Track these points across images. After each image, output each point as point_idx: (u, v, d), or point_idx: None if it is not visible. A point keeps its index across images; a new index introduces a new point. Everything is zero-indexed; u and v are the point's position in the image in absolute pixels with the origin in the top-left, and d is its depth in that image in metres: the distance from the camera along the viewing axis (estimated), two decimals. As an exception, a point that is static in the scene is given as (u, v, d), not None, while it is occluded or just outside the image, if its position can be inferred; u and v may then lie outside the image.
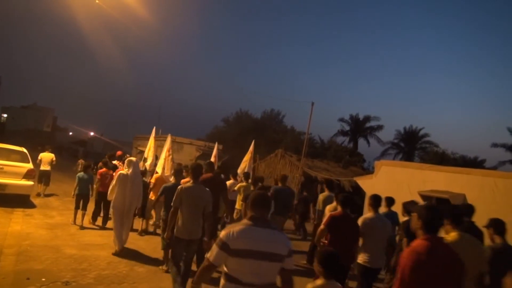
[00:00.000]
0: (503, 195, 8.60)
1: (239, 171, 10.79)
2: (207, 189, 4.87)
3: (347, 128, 33.79)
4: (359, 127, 33.28)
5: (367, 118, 33.06)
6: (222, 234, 2.45)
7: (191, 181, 4.87)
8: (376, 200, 4.95)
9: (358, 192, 11.91)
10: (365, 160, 28.80)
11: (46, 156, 11.40)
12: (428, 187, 9.97)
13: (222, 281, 2.49)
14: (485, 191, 8.86)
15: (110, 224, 7.46)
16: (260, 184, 7.98)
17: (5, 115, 58.34)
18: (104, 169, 8.47)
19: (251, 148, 12.22)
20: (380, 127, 32.81)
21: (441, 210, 2.73)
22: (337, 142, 31.55)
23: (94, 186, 8.35)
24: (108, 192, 6.47)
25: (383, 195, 7.07)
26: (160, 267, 5.74)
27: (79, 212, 7.83)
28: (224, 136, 29.93)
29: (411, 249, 2.57)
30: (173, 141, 19.97)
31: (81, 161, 15.71)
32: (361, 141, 33.76)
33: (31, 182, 9.23)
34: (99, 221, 8.18)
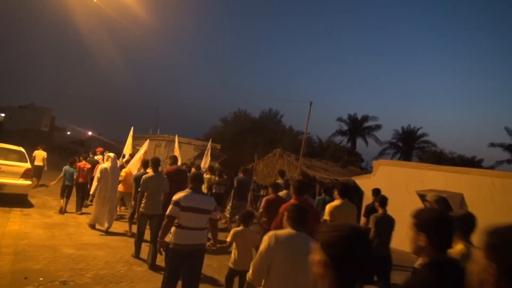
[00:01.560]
0: (500, 195, 8.63)
1: (202, 166, 12.15)
2: (166, 177, 6.51)
3: (345, 127, 33.88)
4: (357, 127, 33.34)
5: (365, 118, 33.14)
6: (175, 197, 3.98)
7: (152, 172, 6.39)
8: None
9: (357, 191, 11.91)
10: (363, 159, 28.92)
11: (39, 154, 12.97)
12: (426, 187, 9.99)
13: (173, 229, 3.97)
14: (483, 190, 8.89)
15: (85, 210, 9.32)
16: (224, 176, 9.28)
17: (2, 115, 58.04)
18: (82, 162, 9.81)
19: (209, 145, 13.83)
20: (378, 127, 32.91)
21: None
22: (335, 141, 31.63)
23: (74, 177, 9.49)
24: (92, 186, 8.04)
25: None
26: (125, 231, 7.49)
27: (64, 200, 9.04)
28: (222, 136, 29.92)
29: None
30: (171, 141, 19.97)
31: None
32: (359, 141, 33.86)
33: (29, 182, 9.20)
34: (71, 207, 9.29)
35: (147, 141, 11.30)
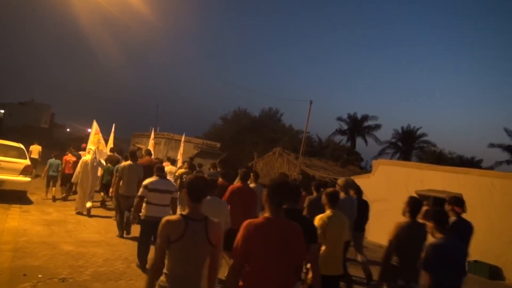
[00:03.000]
0: (500, 195, 8.64)
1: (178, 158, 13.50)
2: (140, 166, 7.68)
3: (345, 127, 33.93)
4: (357, 126, 33.37)
5: (365, 118, 33.17)
6: (144, 182, 5.56)
7: (130, 162, 7.53)
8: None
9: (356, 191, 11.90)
10: (362, 159, 28.95)
11: (35, 148, 15.26)
12: (425, 187, 10.00)
13: (144, 205, 5.41)
14: (482, 190, 8.90)
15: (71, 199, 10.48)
16: (198, 168, 9.87)
17: (2, 111, 57.94)
18: (68, 156, 10.85)
19: (183, 139, 15.33)
20: (378, 127, 32.96)
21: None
22: (335, 141, 31.65)
23: (60, 169, 10.51)
24: (74, 176, 9.43)
25: (381, 194, 7.08)
26: (113, 218, 8.21)
27: (49, 189, 10.15)
28: (222, 134, 29.92)
29: None
30: (170, 139, 19.98)
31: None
32: (359, 140, 33.92)
33: (28, 179, 9.19)
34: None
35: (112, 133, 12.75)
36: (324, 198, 4.07)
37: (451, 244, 3.22)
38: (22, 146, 10.15)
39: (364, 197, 7.01)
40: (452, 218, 4.28)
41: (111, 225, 7.76)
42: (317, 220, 3.85)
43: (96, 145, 10.82)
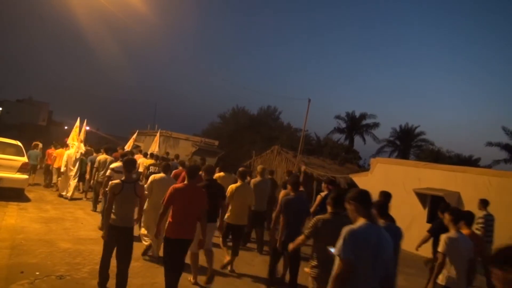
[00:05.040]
0: (497, 193, 8.66)
1: (149, 151, 13.98)
2: (113, 158, 8.89)
3: (343, 125, 33.85)
4: (355, 125, 33.36)
5: (363, 116, 33.14)
6: (111, 166, 7.31)
7: (105, 155, 8.96)
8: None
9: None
10: (361, 157, 28.92)
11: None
12: (423, 185, 10.02)
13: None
14: (480, 189, 8.92)
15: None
16: (158, 160, 11.08)
17: (0, 109, 57.77)
18: (51, 149, 12.60)
19: (158, 134, 16.34)
20: (376, 125, 32.92)
21: None
22: (333, 139, 31.58)
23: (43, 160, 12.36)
24: (62, 167, 10.83)
25: (379, 192, 7.07)
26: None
27: (32, 176, 11.55)
28: (220, 132, 29.91)
29: None
30: (169, 137, 19.95)
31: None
32: (357, 139, 33.87)
33: (25, 176, 9.18)
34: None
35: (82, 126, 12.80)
36: (237, 174, 6.28)
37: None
38: (19, 144, 10.12)
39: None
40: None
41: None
42: (229, 188, 6.00)
43: (75, 140, 11.80)
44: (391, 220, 4.00)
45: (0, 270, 4.57)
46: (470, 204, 8.18)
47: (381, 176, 11.29)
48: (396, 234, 3.78)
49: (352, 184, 12.72)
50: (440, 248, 3.96)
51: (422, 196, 9.91)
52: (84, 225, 7.55)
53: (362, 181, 11.90)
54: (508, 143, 25.25)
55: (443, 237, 3.95)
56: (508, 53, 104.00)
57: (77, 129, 11.94)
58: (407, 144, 32.31)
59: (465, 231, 4.24)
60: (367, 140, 33.25)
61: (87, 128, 14.69)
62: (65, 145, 12.41)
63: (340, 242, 2.59)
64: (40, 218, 7.57)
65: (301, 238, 3.81)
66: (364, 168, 21.55)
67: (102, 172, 8.55)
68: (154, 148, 14.86)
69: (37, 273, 4.61)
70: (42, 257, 5.24)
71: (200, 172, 5.44)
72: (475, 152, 47.79)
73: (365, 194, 2.80)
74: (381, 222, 3.47)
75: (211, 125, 34.38)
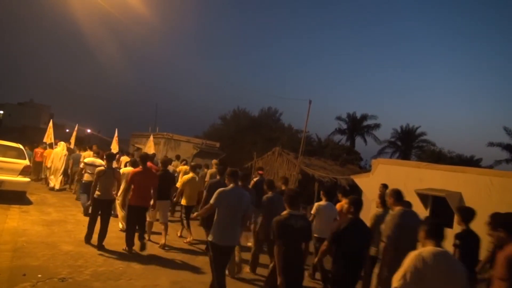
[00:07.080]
0: (499, 194, 8.63)
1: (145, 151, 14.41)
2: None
3: (344, 126, 33.86)
4: (356, 126, 33.35)
5: (365, 117, 33.15)
6: (84, 160, 9.86)
7: (93, 155, 10.02)
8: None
9: (355, 190, 11.93)
10: (362, 158, 28.85)
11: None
12: (424, 186, 10.00)
13: (84, 172, 9.34)
14: (481, 189, 8.89)
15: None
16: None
17: (1, 112, 57.87)
18: (38, 148, 13.94)
19: (151, 137, 16.62)
20: (377, 126, 32.92)
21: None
22: (334, 140, 31.57)
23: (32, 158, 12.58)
24: (49, 163, 12.19)
25: (379, 193, 7.05)
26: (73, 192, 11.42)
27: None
28: (221, 133, 29.88)
29: None
30: (170, 139, 19.97)
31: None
32: (358, 140, 33.87)
33: (27, 179, 9.20)
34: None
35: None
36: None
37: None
38: (21, 147, 10.14)
39: (364, 196, 7.05)
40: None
41: (110, 225, 7.75)
42: (183, 179, 8.10)
43: (51, 139, 13.67)
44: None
45: (3, 272, 4.58)
46: (472, 204, 8.16)
47: (383, 177, 11.25)
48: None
49: (354, 185, 12.70)
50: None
51: (424, 197, 9.88)
52: (86, 228, 7.52)
53: (363, 182, 11.88)
54: (509, 143, 25.22)
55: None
56: (511, 53, 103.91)
57: (51, 130, 14.09)
58: (408, 145, 32.27)
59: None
60: (368, 141, 33.29)
61: (88, 131, 15.85)
62: (49, 146, 13.79)
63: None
64: (42, 220, 7.58)
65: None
66: (365, 169, 21.53)
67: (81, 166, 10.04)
68: (150, 149, 15.23)
69: (39, 275, 4.62)
70: (44, 259, 5.25)
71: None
72: (476, 153, 47.81)
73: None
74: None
75: (212, 127, 34.35)
